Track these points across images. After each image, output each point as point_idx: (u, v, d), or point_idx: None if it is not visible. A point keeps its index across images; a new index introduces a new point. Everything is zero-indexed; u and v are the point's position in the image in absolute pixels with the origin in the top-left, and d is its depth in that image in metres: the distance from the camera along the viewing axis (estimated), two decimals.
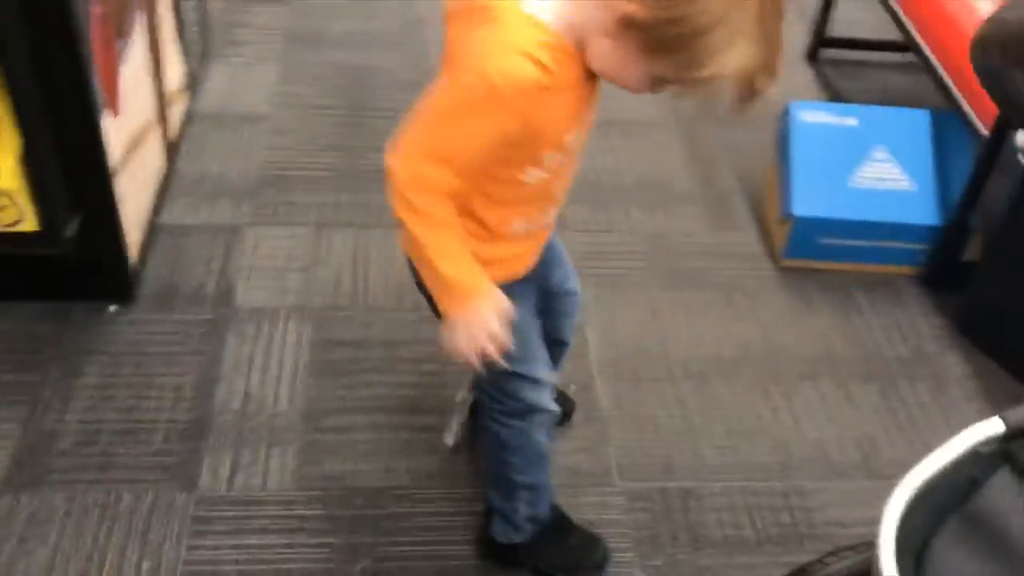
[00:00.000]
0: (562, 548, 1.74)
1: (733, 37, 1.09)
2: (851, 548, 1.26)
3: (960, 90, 2.35)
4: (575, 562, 1.74)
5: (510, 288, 1.33)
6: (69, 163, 1.89)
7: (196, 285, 2.21)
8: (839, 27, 3.22)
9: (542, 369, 1.53)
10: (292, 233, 2.38)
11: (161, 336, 2.09)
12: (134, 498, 1.78)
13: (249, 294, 2.20)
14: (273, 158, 2.60)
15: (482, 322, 1.27)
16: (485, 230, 1.34)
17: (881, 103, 2.62)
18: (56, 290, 2.11)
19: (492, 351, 1.28)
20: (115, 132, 1.97)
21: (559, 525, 1.74)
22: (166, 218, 2.37)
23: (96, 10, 1.86)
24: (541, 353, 1.54)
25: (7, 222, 1.88)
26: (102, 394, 1.95)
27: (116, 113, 2.00)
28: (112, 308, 2.12)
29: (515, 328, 1.31)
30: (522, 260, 1.45)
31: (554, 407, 1.57)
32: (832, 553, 1.26)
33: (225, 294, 2.20)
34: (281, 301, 2.19)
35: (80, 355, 2.02)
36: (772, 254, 2.47)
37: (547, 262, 1.54)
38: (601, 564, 1.75)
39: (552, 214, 1.44)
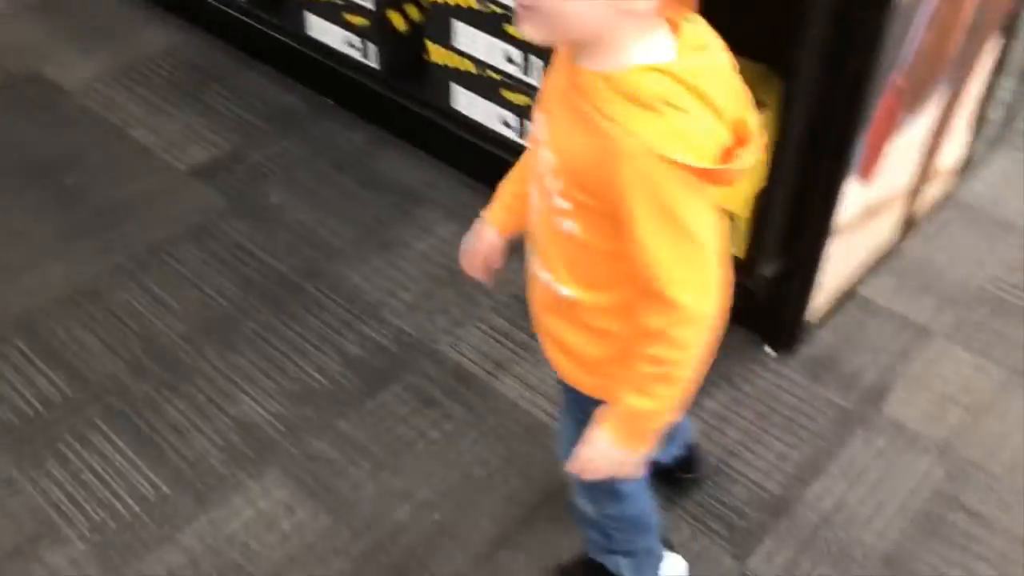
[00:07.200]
0: None
1: None
2: None
3: None
4: None
5: None
6: (795, 211, 1.90)
7: (855, 369, 2.10)
8: None
9: None
10: (981, 366, 2.12)
11: (795, 400, 2.04)
12: (688, 536, 1.79)
13: (900, 406, 2.03)
14: (1006, 277, 2.33)
15: None
16: None
17: None
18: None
19: None
20: (854, 197, 1.92)
21: None
22: (863, 290, 2.28)
23: (897, 81, 1.80)
24: None
25: None
26: (714, 424, 1.98)
27: (867, 180, 1.95)
28: (768, 351, 2.13)
29: None
30: None
31: None
32: None
33: (877, 392, 2.06)
34: (929, 430, 1.99)
35: (717, 378, 2.06)
36: None
37: None
38: None
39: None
